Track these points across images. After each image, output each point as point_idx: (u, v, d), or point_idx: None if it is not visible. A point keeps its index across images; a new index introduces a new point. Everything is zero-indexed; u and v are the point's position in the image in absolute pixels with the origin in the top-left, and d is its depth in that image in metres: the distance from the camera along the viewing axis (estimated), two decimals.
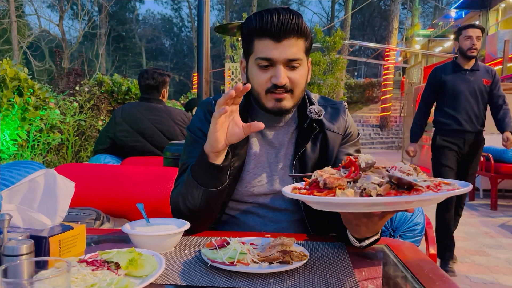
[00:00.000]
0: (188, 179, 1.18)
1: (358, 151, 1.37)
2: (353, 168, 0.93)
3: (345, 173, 0.93)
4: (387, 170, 0.93)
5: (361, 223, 1.00)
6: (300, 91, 1.27)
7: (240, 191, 1.31)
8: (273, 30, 1.17)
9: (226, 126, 1.10)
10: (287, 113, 1.28)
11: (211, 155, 1.12)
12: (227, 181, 1.20)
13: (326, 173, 0.94)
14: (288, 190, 0.98)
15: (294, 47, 1.20)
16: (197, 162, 1.16)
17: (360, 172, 0.92)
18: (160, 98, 3.15)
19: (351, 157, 0.96)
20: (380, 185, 0.85)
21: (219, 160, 1.14)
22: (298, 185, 1.02)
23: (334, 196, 0.86)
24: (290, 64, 1.21)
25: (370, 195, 0.83)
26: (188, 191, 1.18)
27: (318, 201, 0.89)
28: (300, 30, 1.19)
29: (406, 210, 0.94)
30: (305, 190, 0.94)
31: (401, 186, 0.84)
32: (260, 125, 1.07)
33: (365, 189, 0.85)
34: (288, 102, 1.25)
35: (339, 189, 0.88)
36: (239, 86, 1.01)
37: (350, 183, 0.90)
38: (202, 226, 1.25)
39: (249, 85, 1.02)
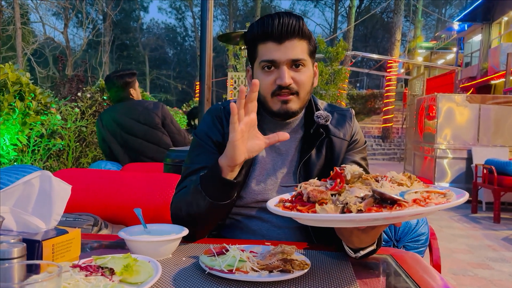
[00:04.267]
0: (197, 189, 1.13)
1: (364, 159, 1.35)
2: (338, 180, 0.90)
3: (331, 185, 0.90)
4: (377, 180, 0.90)
5: (352, 234, 0.98)
6: (306, 92, 1.26)
7: (244, 198, 1.29)
8: (275, 33, 1.19)
9: (246, 137, 1.07)
10: (293, 115, 1.27)
11: (226, 169, 1.08)
12: (236, 195, 1.16)
13: (311, 186, 0.91)
14: (275, 201, 0.96)
15: (296, 48, 1.20)
16: (209, 173, 1.12)
17: (345, 184, 0.90)
18: (130, 97, 3.27)
19: (337, 168, 0.94)
20: (364, 198, 0.83)
21: (232, 175, 1.10)
22: (286, 196, 1.00)
23: (314, 211, 0.84)
24: (294, 65, 1.21)
25: (351, 211, 0.80)
26: (194, 200, 1.14)
27: (294, 217, 0.87)
28: (301, 31, 1.20)
29: (394, 224, 0.92)
30: (290, 204, 0.91)
31: (384, 200, 0.81)
32: (285, 135, 1.08)
33: (347, 203, 0.82)
34: (294, 104, 1.24)
35: (321, 203, 0.85)
36: (256, 82, 1.03)
37: (334, 195, 0.87)
38: (201, 234, 1.23)
39: (256, 80, 1.03)
